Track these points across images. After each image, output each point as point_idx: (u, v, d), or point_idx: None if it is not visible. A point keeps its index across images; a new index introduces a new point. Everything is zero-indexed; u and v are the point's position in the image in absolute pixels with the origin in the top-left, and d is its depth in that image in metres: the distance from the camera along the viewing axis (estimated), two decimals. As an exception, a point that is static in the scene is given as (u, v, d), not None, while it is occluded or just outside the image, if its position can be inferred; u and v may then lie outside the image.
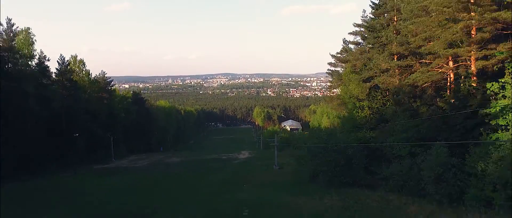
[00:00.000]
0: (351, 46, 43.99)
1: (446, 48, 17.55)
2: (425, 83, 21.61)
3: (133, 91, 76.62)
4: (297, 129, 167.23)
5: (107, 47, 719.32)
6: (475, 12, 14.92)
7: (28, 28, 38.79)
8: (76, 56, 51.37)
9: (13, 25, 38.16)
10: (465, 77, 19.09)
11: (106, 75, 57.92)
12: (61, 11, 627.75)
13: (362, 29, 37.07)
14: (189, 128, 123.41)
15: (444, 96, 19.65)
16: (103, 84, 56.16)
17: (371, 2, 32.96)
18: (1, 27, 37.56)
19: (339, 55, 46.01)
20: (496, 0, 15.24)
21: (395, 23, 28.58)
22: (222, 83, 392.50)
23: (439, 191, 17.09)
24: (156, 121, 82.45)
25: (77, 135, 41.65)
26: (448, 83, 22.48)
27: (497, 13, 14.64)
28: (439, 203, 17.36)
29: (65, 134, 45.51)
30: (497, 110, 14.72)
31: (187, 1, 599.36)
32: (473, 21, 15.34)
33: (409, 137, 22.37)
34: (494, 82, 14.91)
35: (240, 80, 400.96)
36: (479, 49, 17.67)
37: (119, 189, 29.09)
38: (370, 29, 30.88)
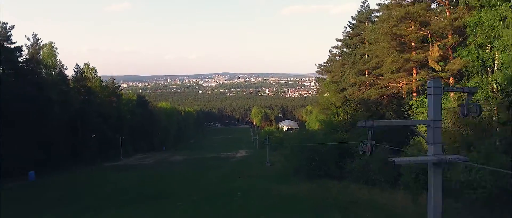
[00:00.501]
0: (337, 57, 50.32)
1: (389, 72, 23.81)
2: (382, 96, 27.80)
3: (138, 95, 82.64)
4: (294, 129, 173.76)
5: (107, 47, 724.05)
6: (392, 54, 21.16)
7: (52, 42, 45.02)
8: (89, 63, 57.50)
9: (38, 39, 44.27)
10: (407, 93, 25.32)
11: (115, 80, 64.02)
12: (61, 10, 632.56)
13: (342, 44, 43.37)
14: (189, 128, 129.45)
15: (393, 107, 25.88)
16: (112, 89, 62.28)
17: (349, 22, 39.25)
18: (29, 41, 43.67)
19: (324, 64, 52.29)
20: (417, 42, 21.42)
21: (365, 43, 34.82)
22: (221, 83, 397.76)
23: (380, 179, 23.38)
24: (158, 121, 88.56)
25: (93, 136, 47.70)
26: (404, 96, 28.74)
27: (408, 55, 20.84)
28: (383, 188, 23.66)
29: (80, 134, 51.78)
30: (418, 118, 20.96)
31: (187, 1, 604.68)
32: (395, 58, 21.60)
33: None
34: (416, 99, 21.12)
35: (238, 80, 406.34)
36: (417, 74, 23.97)
37: (133, 181, 35.39)
38: (346, 46, 37.13)
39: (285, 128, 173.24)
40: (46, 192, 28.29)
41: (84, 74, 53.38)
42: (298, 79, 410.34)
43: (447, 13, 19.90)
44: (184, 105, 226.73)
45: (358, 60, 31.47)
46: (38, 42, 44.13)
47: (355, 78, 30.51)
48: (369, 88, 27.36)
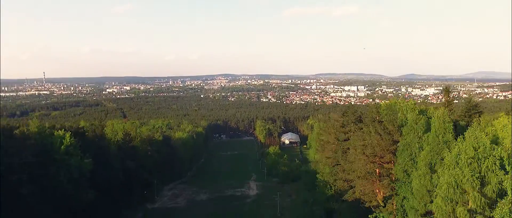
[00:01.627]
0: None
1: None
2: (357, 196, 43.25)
3: (163, 135, 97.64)
4: (296, 142, 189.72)
5: (109, 48, 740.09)
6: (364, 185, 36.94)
7: (113, 121, 60.27)
8: (134, 122, 72.78)
9: (102, 120, 59.64)
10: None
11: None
12: (62, 10, 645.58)
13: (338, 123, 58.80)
14: (199, 148, 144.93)
15: (365, 204, 41.47)
16: (148, 141, 77.76)
17: (341, 117, 54.65)
18: (95, 121, 59.09)
19: (325, 130, 67.75)
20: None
21: (351, 135, 50.25)
22: (223, 85, 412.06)
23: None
24: (177, 153, 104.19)
25: (145, 192, 63.35)
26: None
27: (373, 186, 36.51)
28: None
29: (127, 185, 67.44)
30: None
31: (188, 2, 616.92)
32: (365, 186, 37.19)
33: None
34: (374, 214, 36.68)
35: (240, 82, 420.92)
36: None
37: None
38: (338, 139, 52.66)
39: (287, 141, 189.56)
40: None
41: (131, 136, 68.76)
42: (299, 81, 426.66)
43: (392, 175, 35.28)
44: (188, 114, 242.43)
45: (343, 160, 47.09)
46: (102, 123, 59.59)
47: (342, 173, 46.06)
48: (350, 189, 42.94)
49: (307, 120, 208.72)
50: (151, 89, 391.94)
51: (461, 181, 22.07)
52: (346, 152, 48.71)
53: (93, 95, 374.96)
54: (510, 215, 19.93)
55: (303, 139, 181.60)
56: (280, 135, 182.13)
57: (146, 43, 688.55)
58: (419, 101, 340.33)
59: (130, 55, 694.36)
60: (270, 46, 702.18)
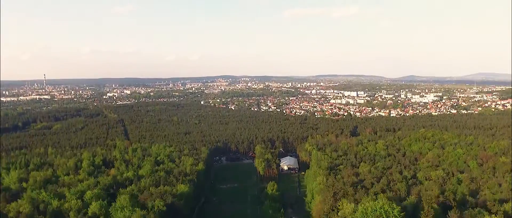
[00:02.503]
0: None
1: None
2: None
3: (166, 205, 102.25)
4: (294, 168, 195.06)
5: (109, 48, 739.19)
6: None
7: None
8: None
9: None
10: None
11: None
12: (63, 10, 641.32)
13: None
14: (200, 187, 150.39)
15: None
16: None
17: None
18: None
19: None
20: None
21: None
22: (223, 89, 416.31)
23: None
24: (180, 210, 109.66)
25: None
26: None
27: None
28: None
29: None
30: None
31: (188, 2, 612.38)
32: None
33: None
34: None
35: (240, 85, 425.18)
36: None
37: None
38: None
39: (285, 167, 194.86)
40: None
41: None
42: (299, 85, 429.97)
43: None
44: (189, 132, 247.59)
45: None
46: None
47: None
48: None
49: (306, 142, 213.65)
50: (151, 93, 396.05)
51: None
52: None
53: (94, 100, 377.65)
54: None
55: (303, 167, 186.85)
56: (278, 166, 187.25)
57: (146, 43, 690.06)
58: (417, 111, 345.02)
59: (130, 56, 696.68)
60: (270, 47, 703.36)
